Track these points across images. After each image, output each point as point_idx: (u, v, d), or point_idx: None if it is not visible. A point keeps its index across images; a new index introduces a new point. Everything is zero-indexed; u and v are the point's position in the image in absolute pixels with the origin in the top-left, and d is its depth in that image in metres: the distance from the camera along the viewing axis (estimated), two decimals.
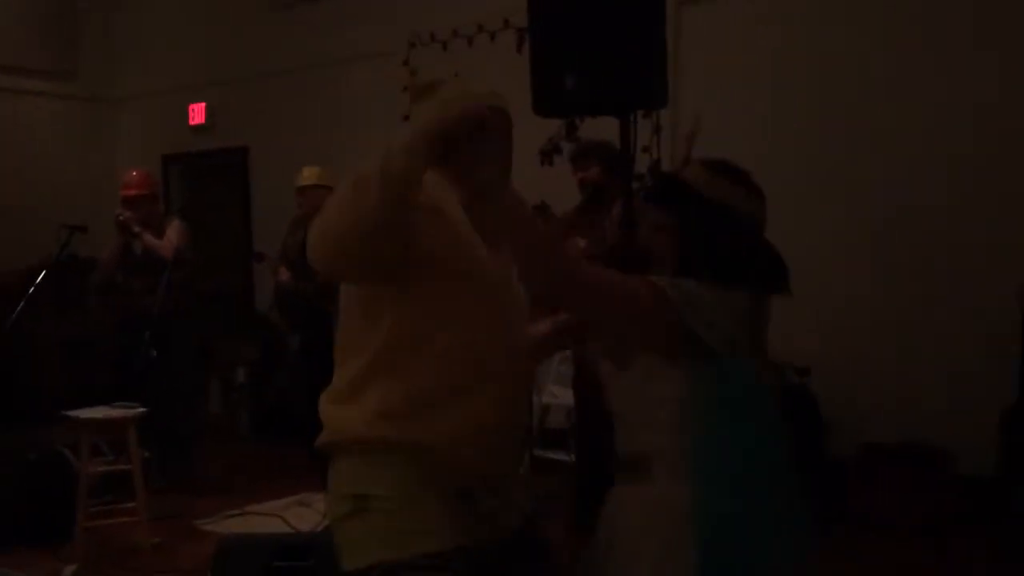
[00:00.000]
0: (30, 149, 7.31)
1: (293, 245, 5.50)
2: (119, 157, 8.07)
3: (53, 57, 7.69)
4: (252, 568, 2.48)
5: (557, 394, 5.17)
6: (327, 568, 2.44)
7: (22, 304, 4.41)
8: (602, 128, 3.87)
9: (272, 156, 7.21)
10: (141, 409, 4.24)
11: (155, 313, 4.86)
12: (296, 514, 4.66)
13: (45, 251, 5.74)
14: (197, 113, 7.61)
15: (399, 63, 6.40)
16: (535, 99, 3.23)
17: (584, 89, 2.97)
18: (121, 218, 5.22)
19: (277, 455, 5.98)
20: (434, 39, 6.27)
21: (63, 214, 5.86)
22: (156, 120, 7.96)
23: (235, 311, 7.13)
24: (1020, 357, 3.99)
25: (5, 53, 7.22)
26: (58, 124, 7.78)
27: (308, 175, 5.38)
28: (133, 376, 4.76)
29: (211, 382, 7.07)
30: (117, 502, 4.38)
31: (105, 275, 5.49)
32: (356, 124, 6.59)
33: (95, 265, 5.89)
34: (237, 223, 7.52)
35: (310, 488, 4.99)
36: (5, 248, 6.74)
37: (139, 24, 8.03)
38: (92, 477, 4.19)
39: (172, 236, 5.25)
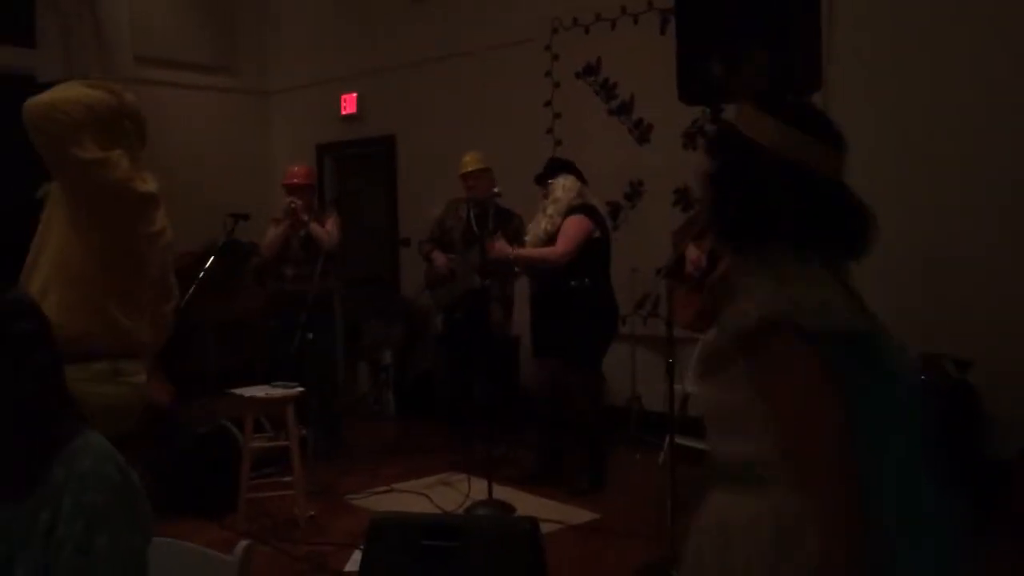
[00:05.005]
0: (195, 141, 7.75)
1: (456, 226, 5.66)
2: (276, 148, 8.48)
3: (212, 53, 8.12)
4: (402, 546, 2.57)
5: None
6: (473, 550, 2.54)
7: (194, 287, 4.71)
8: None
9: (417, 144, 7.40)
10: (299, 388, 4.47)
11: (310, 298, 5.10)
12: (440, 493, 4.82)
13: (208, 236, 6.13)
14: (349, 103, 7.88)
15: (541, 49, 6.44)
16: (681, 86, 3.20)
17: (731, 76, 2.92)
18: (294, 205, 5.51)
19: (419, 433, 6.26)
20: (576, 23, 6.27)
21: (225, 203, 6.22)
22: (310, 111, 8.30)
23: (382, 295, 7.38)
24: None
25: (170, 49, 7.69)
26: (219, 117, 8.23)
27: (471, 160, 5.53)
28: (287, 357, 5.02)
29: (359, 363, 7.38)
30: (276, 476, 4.66)
31: (267, 260, 5.80)
32: (498, 110, 6.68)
33: (255, 250, 6.23)
34: (384, 210, 7.77)
35: (450, 465, 5.25)
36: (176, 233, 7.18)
37: (291, 19, 8.39)
38: (254, 452, 4.45)
39: (334, 231, 5.54)
